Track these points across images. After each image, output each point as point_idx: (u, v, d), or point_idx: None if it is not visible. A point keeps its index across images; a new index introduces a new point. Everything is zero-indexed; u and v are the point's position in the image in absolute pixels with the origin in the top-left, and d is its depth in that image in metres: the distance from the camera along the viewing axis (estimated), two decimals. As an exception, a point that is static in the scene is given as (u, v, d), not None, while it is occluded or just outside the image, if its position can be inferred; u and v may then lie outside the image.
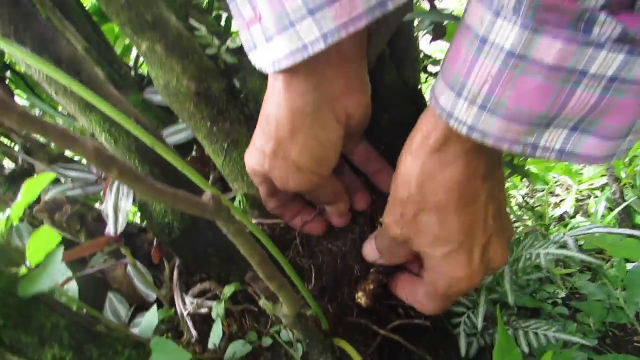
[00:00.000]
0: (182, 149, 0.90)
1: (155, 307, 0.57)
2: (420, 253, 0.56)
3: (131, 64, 1.07)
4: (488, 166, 0.50)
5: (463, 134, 0.43)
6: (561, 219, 1.45)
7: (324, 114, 0.55)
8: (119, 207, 0.57)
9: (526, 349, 0.79)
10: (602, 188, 1.49)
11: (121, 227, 0.56)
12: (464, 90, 0.41)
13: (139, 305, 0.73)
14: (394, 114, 0.73)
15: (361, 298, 0.64)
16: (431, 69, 0.89)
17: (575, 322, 1.09)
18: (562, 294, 1.09)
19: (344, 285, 0.69)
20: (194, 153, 0.78)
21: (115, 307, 0.66)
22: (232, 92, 0.78)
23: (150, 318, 0.54)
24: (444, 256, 0.53)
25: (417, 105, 0.77)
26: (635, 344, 1.06)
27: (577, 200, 1.49)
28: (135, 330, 0.60)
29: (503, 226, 0.56)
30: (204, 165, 0.87)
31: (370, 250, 0.65)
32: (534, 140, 0.42)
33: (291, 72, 0.53)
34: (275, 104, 0.55)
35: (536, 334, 0.80)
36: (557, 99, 0.38)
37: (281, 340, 0.60)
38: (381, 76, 0.70)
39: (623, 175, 1.41)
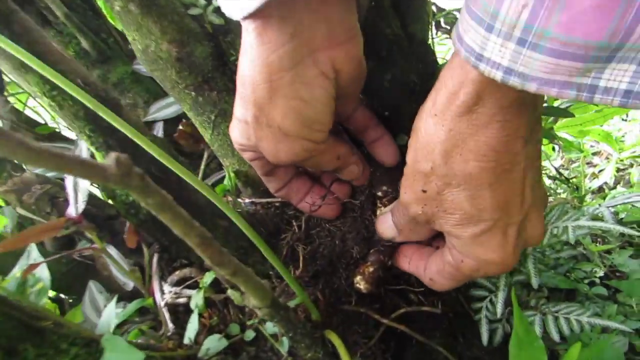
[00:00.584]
0: (177, 125, 0.83)
1: (114, 300, 0.51)
2: (444, 232, 0.48)
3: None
4: (529, 125, 0.41)
5: (498, 80, 0.34)
6: (600, 190, 1.33)
7: (306, 68, 0.47)
8: (78, 185, 0.51)
9: (556, 337, 0.70)
10: (647, 156, 1.36)
11: (81, 206, 0.50)
12: (496, 20, 0.32)
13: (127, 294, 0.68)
14: (397, 73, 0.64)
15: (360, 282, 0.57)
16: (445, 24, 0.78)
17: (615, 302, 0.98)
18: (600, 273, 0.99)
19: (341, 269, 0.61)
20: (180, 127, 0.71)
21: (94, 296, 0.61)
22: (219, 57, 0.70)
23: (109, 312, 0.49)
24: (474, 237, 0.45)
25: (426, 63, 0.68)
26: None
27: (618, 170, 1.36)
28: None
29: (540, 196, 0.47)
30: (197, 141, 0.81)
31: (388, 228, 0.58)
32: (591, 81, 0.32)
33: (263, 20, 0.45)
34: (248, 62, 0.47)
35: (567, 319, 0.70)
36: (621, 20, 0.28)
37: (266, 332, 0.53)
38: (380, 28, 0.61)
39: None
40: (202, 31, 0.70)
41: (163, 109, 0.80)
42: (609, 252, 1.02)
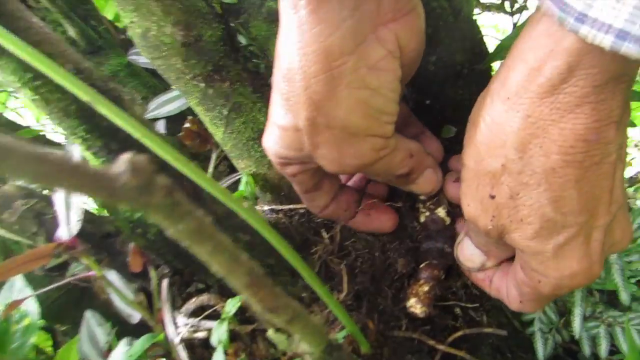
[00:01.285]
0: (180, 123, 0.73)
1: (123, 343, 0.41)
2: (519, 248, 0.39)
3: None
4: (622, 107, 0.33)
5: (606, 47, 0.27)
6: (631, 181, 1.24)
7: (370, 49, 0.38)
8: (70, 201, 0.41)
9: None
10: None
11: (74, 227, 0.41)
12: None
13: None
14: (443, 54, 0.55)
15: (415, 306, 0.47)
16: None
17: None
18: (650, 273, 0.89)
19: (385, 287, 0.52)
20: (186, 124, 0.61)
21: (93, 329, 0.51)
22: (231, 42, 0.61)
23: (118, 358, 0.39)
24: (557, 249, 0.36)
25: (472, 41, 0.58)
26: None
27: (648, 160, 1.29)
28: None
29: (625, 192, 0.39)
30: (204, 140, 0.71)
31: (473, 255, 0.48)
32: None
33: None
34: (297, 49, 0.37)
35: (639, 330, 0.61)
36: None
37: (307, 371, 0.43)
38: (426, 0, 0.52)
39: None
40: (211, 11, 0.60)
41: (165, 105, 0.70)
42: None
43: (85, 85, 0.31)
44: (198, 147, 0.70)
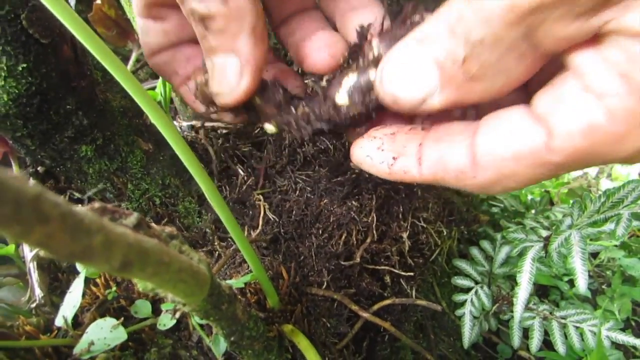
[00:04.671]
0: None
1: None
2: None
3: None
4: None
5: None
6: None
7: None
8: None
9: (562, 349, 0.56)
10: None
11: None
12: None
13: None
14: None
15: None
16: None
17: (594, 306, 0.88)
18: (584, 271, 0.86)
19: (312, 235, 0.43)
20: (98, 1, 0.49)
21: None
22: None
23: None
24: None
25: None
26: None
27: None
28: None
29: None
30: (124, 33, 0.58)
31: (421, 71, 0.26)
32: None
33: None
34: None
35: (577, 327, 0.56)
36: None
37: (194, 320, 0.34)
38: None
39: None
40: None
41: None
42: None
43: None
44: (115, 40, 0.57)
